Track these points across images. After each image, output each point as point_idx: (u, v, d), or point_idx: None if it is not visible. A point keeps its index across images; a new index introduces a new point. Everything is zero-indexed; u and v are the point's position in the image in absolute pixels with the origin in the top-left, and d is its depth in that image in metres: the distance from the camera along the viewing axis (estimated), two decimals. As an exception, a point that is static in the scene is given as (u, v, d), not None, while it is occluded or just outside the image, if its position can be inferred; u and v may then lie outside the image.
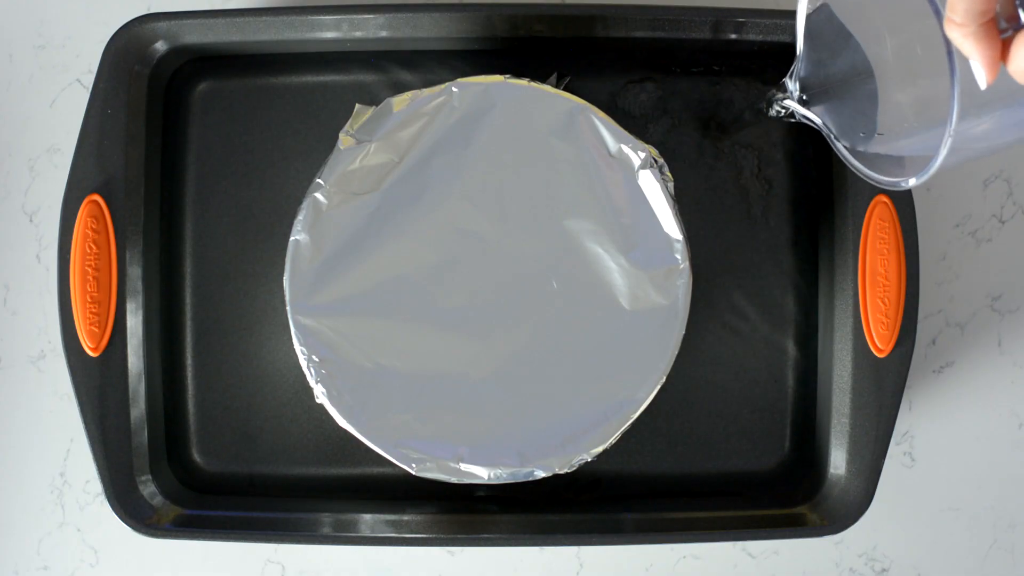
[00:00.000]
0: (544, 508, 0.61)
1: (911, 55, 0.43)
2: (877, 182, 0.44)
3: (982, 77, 0.37)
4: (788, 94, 0.50)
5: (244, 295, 0.62)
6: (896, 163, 0.44)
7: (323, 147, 0.60)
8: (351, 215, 0.54)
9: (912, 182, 0.42)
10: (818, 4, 0.46)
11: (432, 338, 0.54)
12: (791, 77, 0.50)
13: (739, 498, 0.61)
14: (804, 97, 0.50)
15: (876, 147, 0.46)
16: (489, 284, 0.54)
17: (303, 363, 0.54)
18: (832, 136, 0.48)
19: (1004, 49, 0.37)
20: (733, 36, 0.59)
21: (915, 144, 0.43)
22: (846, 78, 0.47)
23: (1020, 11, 0.36)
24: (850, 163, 0.46)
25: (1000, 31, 0.36)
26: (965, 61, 0.37)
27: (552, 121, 0.55)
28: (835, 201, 0.59)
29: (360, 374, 0.54)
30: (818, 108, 0.49)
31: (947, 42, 0.37)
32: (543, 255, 0.54)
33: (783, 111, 0.51)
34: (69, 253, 0.56)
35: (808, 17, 0.47)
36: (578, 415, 0.54)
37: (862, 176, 0.45)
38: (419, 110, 0.55)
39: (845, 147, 0.47)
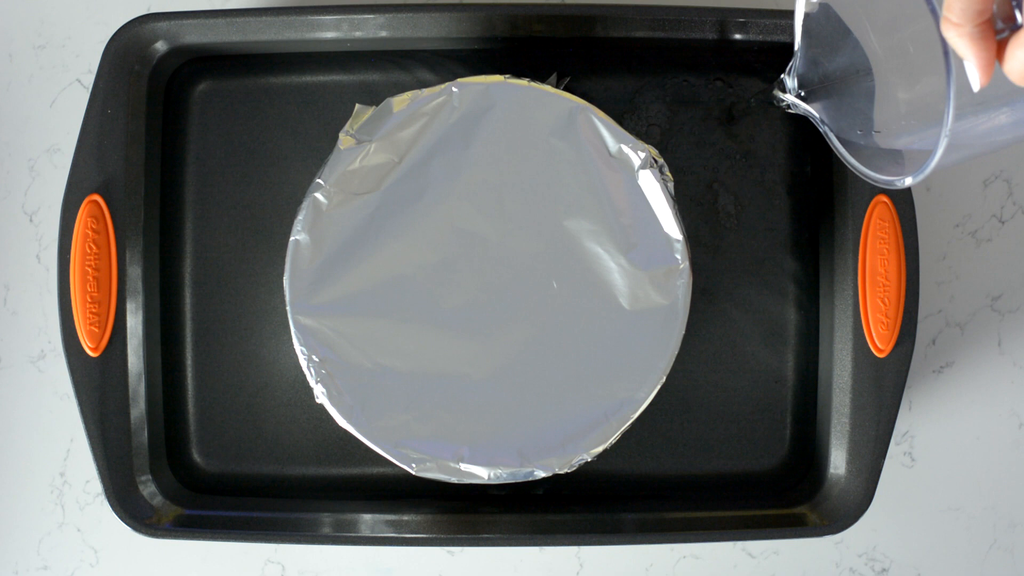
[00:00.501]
0: (544, 508, 0.61)
1: (909, 54, 0.43)
2: (874, 180, 0.44)
3: (976, 79, 0.37)
4: (787, 91, 0.50)
5: (244, 295, 0.62)
6: (894, 162, 0.44)
7: (323, 147, 0.60)
8: (351, 215, 0.54)
9: (908, 181, 0.42)
10: (817, 2, 0.46)
11: (432, 338, 0.54)
12: (789, 74, 0.50)
13: (739, 498, 0.61)
14: (803, 94, 0.50)
15: (873, 145, 0.46)
16: (489, 284, 0.54)
17: (303, 363, 0.54)
18: (830, 133, 0.48)
19: (1000, 50, 0.37)
20: (734, 36, 0.59)
21: (912, 142, 0.43)
22: (844, 76, 0.47)
23: (1016, 11, 0.36)
24: (847, 160, 0.46)
25: (996, 31, 0.36)
26: (961, 61, 0.37)
27: (552, 121, 0.55)
28: (835, 201, 0.59)
29: (360, 374, 0.54)
30: (816, 105, 0.49)
31: (943, 42, 0.37)
32: (543, 255, 0.54)
33: (783, 105, 0.51)
34: (69, 253, 0.56)
35: (807, 15, 0.47)
36: (578, 415, 0.54)
37: (859, 174, 0.45)
38: (419, 110, 0.55)
39: (843, 145, 0.47)
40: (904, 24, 0.43)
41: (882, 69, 0.45)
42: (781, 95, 0.51)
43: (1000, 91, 0.37)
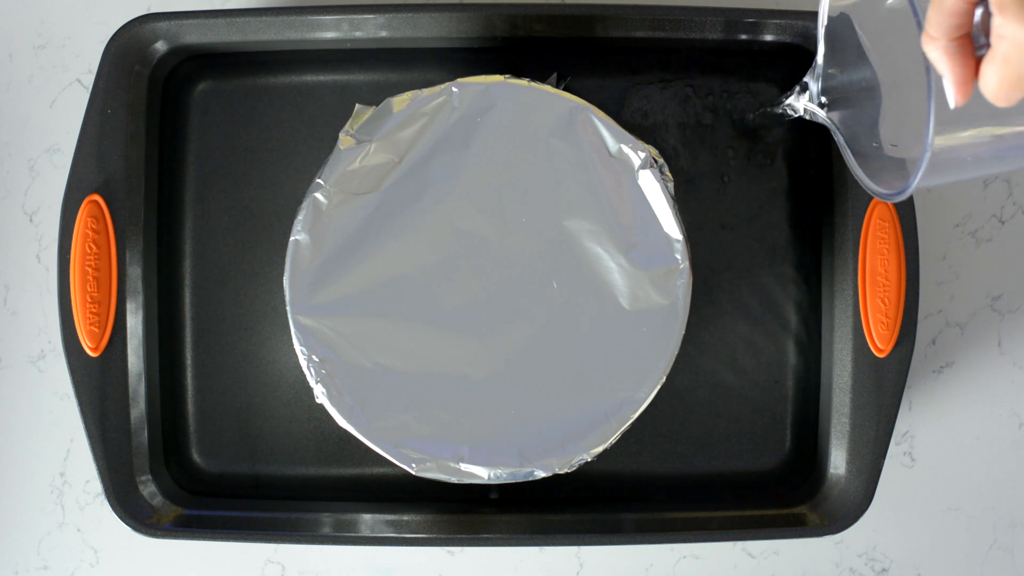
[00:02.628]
0: (544, 508, 0.61)
1: (906, 68, 0.43)
2: (874, 193, 0.44)
3: (952, 95, 0.36)
4: (808, 95, 0.50)
5: (244, 295, 0.62)
6: (900, 176, 0.44)
7: (323, 147, 0.60)
8: (351, 215, 0.54)
9: (898, 196, 0.42)
10: (839, 11, 0.46)
11: (432, 338, 0.54)
12: (813, 79, 0.49)
13: (739, 498, 0.61)
14: (823, 100, 0.49)
15: (885, 157, 0.45)
16: (489, 284, 0.54)
17: (303, 363, 0.54)
18: (843, 143, 0.48)
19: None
20: (735, 36, 0.59)
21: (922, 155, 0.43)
22: (864, 85, 0.47)
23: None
24: (856, 173, 0.46)
25: (978, 47, 0.36)
26: (940, 77, 0.36)
27: (552, 121, 0.55)
28: (835, 201, 0.59)
29: (360, 374, 0.54)
30: (834, 113, 0.49)
31: (926, 58, 0.36)
32: (543, 255, 0.54)
33: (800, 111, 0.51)
34: (69, 253, 0.56)
35: (831, 19, 0.47)
36: (578, 415, 0.54)
37: (865, 187, 0.45)
38: (419, 110, 0.55)
39: (854, 155, 0.47)
40: (901, 37, 0.43)
41: (887, 81, 0.45)
42: (797, 103, 0.51)
43: (985, 111, 0.37)
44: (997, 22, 0.34)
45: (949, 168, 0.38)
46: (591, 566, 0.65)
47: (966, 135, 0.37)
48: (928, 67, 0.36)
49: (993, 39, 0.34)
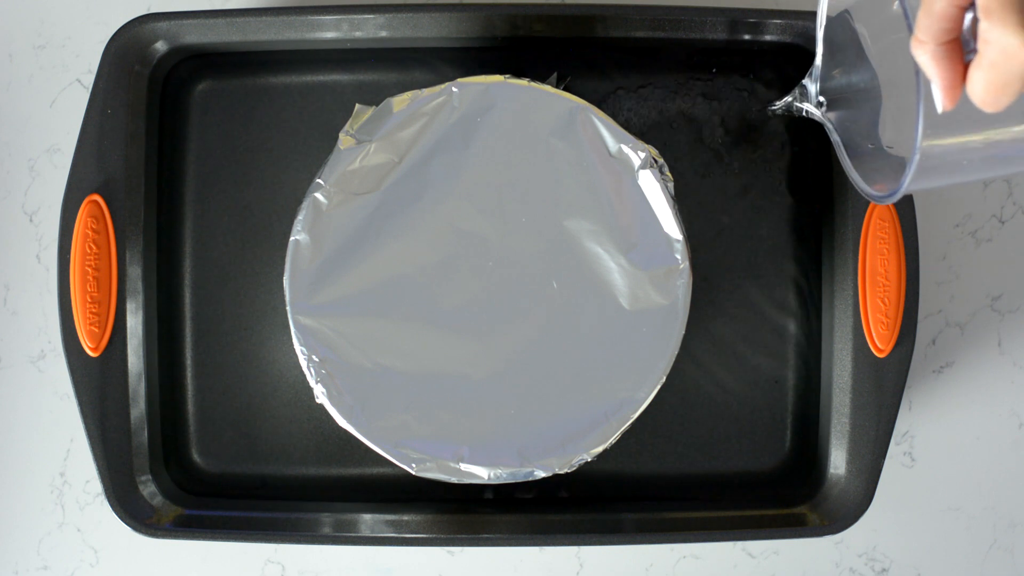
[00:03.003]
0: (544, 508, 0.61)
1: (907, 71, 0.43)
2: (865, 193, 0.44)
3: (939, 99, 0.36)
4: (808, 98, 0.50)
5: (244, 295, 0.62)
6: (893, 177, 0.44)
7: (323, 147, 0.60)
8: (351, 215, 0.54)
9: (889, 199, 0.42)
10: (838, 11, 0.46)
11: (432, 338, 0.54)
12: (812, 80, 0.49)
13: (739, 498, 0.61)
14: (822, 100, 0.49)
15: (882, 158, 0.45)
16: (489, 284, 0.54)
17: (303, 363, 0.54)
18: (840, 144, 0.48)
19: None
20: (736, 37, 0.59)
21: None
22: (866, 86, 0.47)
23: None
24: (851, 174, 0.46)
25: (967, 51, 0.36)
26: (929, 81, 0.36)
27: (552, 121, 0.55)
28: (835, 201, 0.59)
29: (360, 374, 0.54)
30: (831, 113, 0.49)
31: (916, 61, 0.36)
32: (543, 255, 0.54)
33: (798, 111, 0.51)
34: (69, 253, 0.56)
35: (830, 20, 0.47)
36: (578, 415, 0.54)
37: (858, 189, 0.45)
38: (419, 110, 0.55)
39: (850, 156, 0.47)
40: (898, 37, 0.43)
41: (885, 81, 0.45)
42: (799, 102, 0.51)
43: (975, 115, 0.37)
44: (984, 27, 0.34)
45: (942, 171, 0.38)
46: (591, 566, 0.65)
47: (956, 139, 0.37)
48: (918, 71, 0.36)
49: (980, 44, 0.34)
